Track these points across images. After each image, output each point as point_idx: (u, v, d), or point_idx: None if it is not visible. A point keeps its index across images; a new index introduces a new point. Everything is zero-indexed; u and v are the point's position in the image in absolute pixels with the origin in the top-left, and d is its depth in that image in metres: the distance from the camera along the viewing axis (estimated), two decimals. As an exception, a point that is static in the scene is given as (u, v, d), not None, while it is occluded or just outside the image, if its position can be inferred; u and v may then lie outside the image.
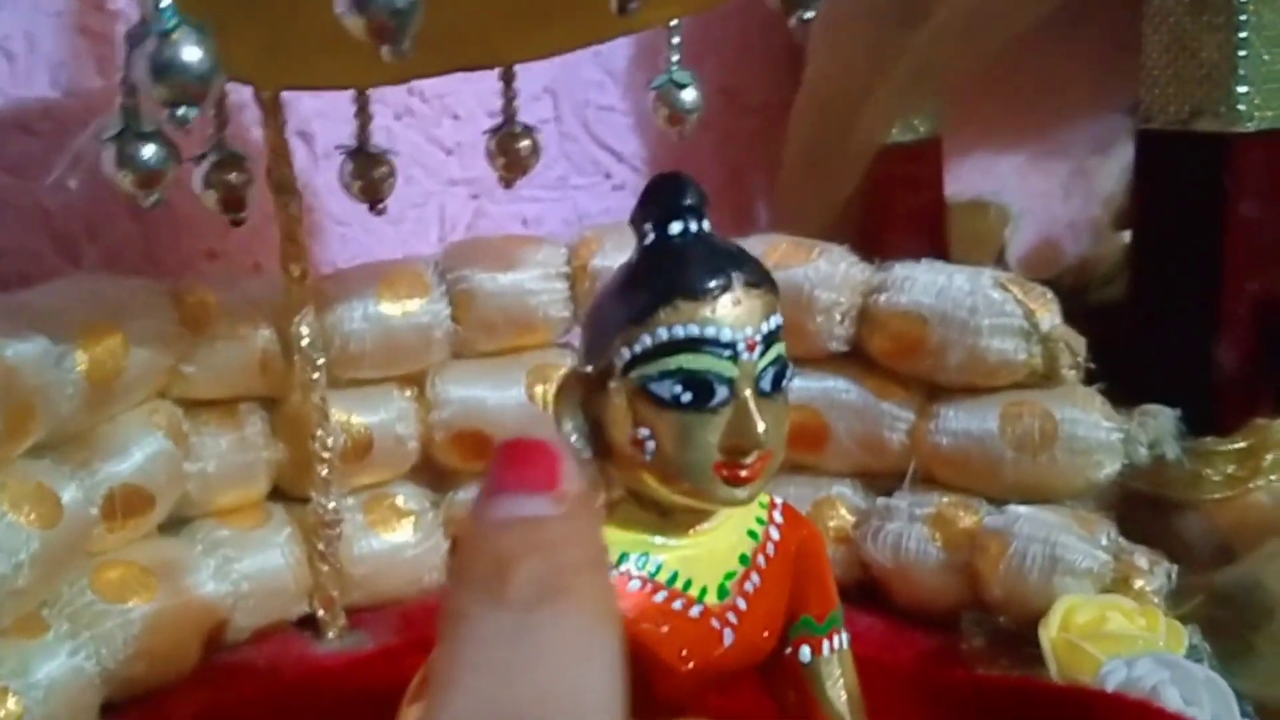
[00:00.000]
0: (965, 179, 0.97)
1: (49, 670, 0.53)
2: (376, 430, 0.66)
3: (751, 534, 0.41)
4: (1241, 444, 0.66)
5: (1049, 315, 0.62)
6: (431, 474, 0.70)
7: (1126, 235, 0.78)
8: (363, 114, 0.58)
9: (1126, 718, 0.46)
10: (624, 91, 0.85)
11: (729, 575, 0.40)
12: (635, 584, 0.38)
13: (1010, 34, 0.78)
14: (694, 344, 0.36)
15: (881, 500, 0.64)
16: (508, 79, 0.60)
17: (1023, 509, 0.60)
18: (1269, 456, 0.69)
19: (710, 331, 0.36)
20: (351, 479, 0.66)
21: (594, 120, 0.78)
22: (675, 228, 0.38)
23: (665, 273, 0.37)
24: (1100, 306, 0.77)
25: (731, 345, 0.37)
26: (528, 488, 0.25)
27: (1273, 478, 0.69)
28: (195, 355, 0.61)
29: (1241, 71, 0.63)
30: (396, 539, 0.67)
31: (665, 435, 0.37)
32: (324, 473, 0.63)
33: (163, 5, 0.33)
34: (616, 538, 0.39)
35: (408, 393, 0.67)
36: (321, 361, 0.61)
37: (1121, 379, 0.63)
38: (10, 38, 0.64)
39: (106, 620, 0.56)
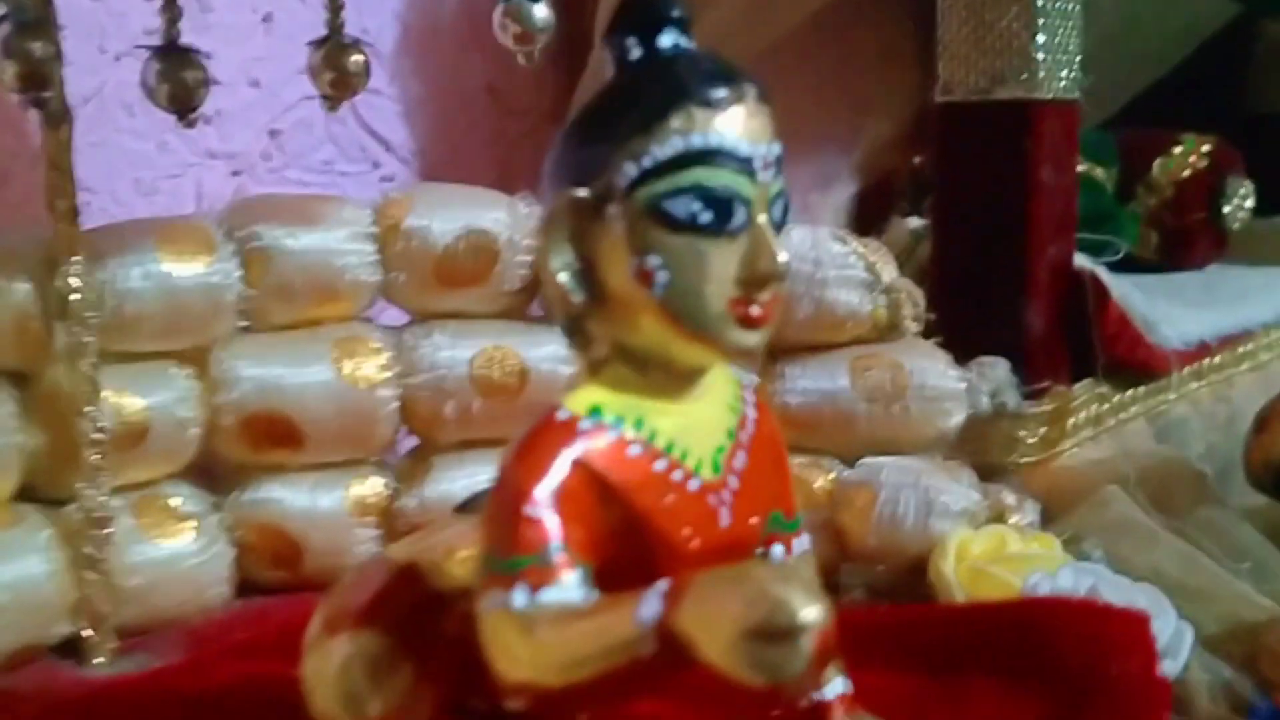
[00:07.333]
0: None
1: None
2: (154, 413, 0.56)
3: (732, 408, 0.36)
4: (1049, 407, 0.68)
5: (888, 268, 0.61)
6: (209, 471, 0.60)
7: (911, 221, 0.79)
8: (172, 6, 0.49)
9: (1074, 618, 0.44)
10: (391, 76, 0.79)
11: (719, 449, 0.35)
12: (635, 449, 0.33)
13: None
14: (710, 157, 0.32)
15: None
16: (336, -14, 0.53)
17: (884, 459, 0.58)
18: (1071, 421, 0.71)
19: (729, 143, 0.32)
20: (120, 473, 0.55)
21: (361, 104, 0.72)
22: (666, 40, 0.34)
23: (672, 80, 0.33)
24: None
25: (749, 161, 0.32)
26: None
27: (1076, 441, 0.72)
28: (-66, 310, 0.49)
29: (1040, 39, 0.65)
30: (175, 546, 0.57)
31: (678, 263, 0.32)
32: (94, 458, 0.52)
33: None
34: (607, 400, 0.33)
35: (188, 371, 0.58)
36: (94, 321, 0.51)
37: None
38: None
39: None
